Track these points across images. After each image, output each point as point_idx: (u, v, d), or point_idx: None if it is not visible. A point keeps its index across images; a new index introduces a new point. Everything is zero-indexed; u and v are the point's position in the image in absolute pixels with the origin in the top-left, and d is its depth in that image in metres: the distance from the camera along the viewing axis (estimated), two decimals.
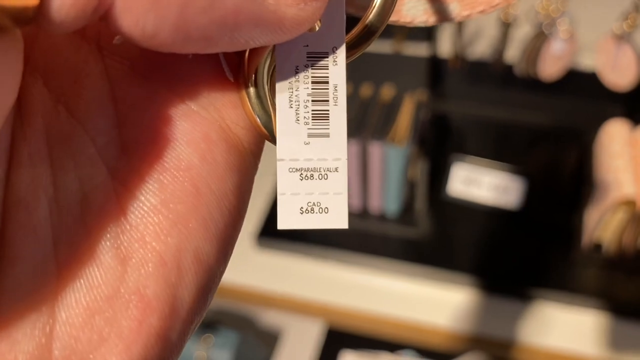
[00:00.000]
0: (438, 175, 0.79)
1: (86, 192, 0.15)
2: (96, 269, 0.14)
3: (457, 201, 0.76)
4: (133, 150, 0.15)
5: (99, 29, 0.16)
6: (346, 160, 0.17)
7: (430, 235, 0.73)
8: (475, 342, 0.67)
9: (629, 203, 0.62)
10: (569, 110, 0.85)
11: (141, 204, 0.15)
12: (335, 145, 0.17)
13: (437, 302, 0.70)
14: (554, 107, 0.86)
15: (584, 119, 0.83)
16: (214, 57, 0.17)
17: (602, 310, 0.67)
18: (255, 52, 0.17)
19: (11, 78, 0.13)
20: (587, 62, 0.90)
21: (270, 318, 1.14)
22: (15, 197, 0.14)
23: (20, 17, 0.12)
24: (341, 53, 0.17)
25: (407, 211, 0.75)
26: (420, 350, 1.00)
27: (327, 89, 0.16)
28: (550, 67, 0.83)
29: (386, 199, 0.74)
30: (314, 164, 0.17)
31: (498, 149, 0.83)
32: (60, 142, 0.15)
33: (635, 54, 0.76)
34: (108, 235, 0.15)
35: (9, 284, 0.14)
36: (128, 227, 0.15)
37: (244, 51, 0.17)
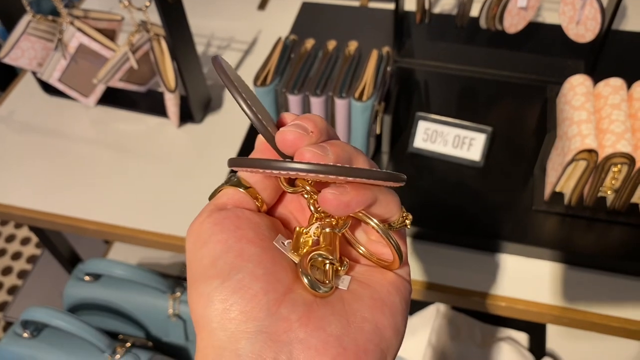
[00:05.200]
0: (403, 130, 0.79)
1: None
2: None
3: (421, 156, 0.76)
4: None
5: None
6: None
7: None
8: (438, 292, 0.68)
9: (591, 153, 0.63)
10: (533, 64, 0.86)
11: None
12: None
13: (410, 257, 0.71)
14: (518, 61, 0.86)
15: (548, 73, 0.84)
16: None
17: (564, 260, 0.68)
18: None
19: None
20: (552, 15, 0.90)
21: None
22: None
23: None
24: None
25: None
26: None
27: None
28: (515, 20, 0.83)
29: None
30: None
31: (462, 103, 0.83)
32: None
33: (600, 6, 0.76)
34: None
35: None
36: None
37: None
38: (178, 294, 0.85)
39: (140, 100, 0.90)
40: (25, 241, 1.77)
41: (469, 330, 0.91)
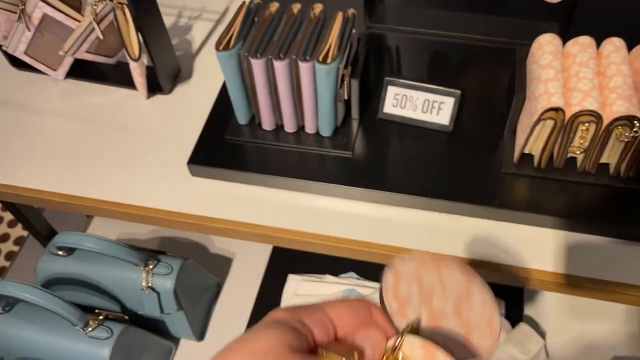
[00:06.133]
0: (374, 97, 0.78)
1: None
2: None
3: (391, 121, 0.75)
4: None
5: None
6: None
7: (364, 155, 0.73)
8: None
9: (558, 111, 0.62)
10: (506, 27, 0.84)
11: None
12: None
13: (374, 221, 0.70)
14: (491, 25, 0.85)
15: (522, 35, 0.82)
16: None
17: (534, 222, 0.67)
18: None
19: None
20: None
21: (221, 244, 1.15)
22: None
23: None
24: None
25: (341, 131, 0.74)
26: (360, 273, 1.02)
27: None
28: None
29: (320, 118, 0.72)
30: None
31: (435, 69, 0.82)
32: None
33: None
34: None
35: None
36: None
37: None
38: (150, 266, 0.85)
39: (110, 72, 0.89)
40: (12, 223, 1.78)
41: None
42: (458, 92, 0.73)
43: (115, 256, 0.82)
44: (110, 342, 0.78)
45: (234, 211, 0.72)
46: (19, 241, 1.72)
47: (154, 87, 0.84)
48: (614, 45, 0.67)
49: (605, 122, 0.62)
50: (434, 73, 0.81)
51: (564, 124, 0.63)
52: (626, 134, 0.62)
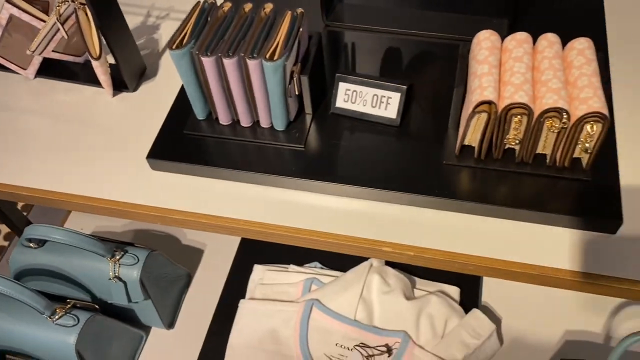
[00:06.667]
0: (328, 91, 0.81)
1: None
2: None
3: (343, 116, 0.78)
4: None
5: None
6: None
7: (316, 148, 0.76)
8: (349, 243, 0.70)
9: (490, 105, 0.65)
10: (457, 24, 0.87)
11: None
12: None
13: (327, 211, 0.73)
14: (443, 22, 0.88)
15: (470, 33, 0.85)
16: None
17: (474, 211, 0.70)
18: None
19: None
20: None
21: (192, 236, 1.18)
22: None
23: None
24: None
25: (295, 125, 0.78)
26: (325, 263, 1.05)
27: None
28: None
29: (273, 113, 0.75)
30: None
31: (389, 65, 0.85)
32: None
33: None
34: None
35: None
36: None
37: None
38: (117, 257, 0.88)
39: (79, 71, 0.92)
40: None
41: (401, 285, 0.94)
42: (404, 87, 0.76)
43: (83, 247, 0.85)
44: (76, 329, 0.82)
45: (193, 203, 0.76)
46: (9, 237, 1.76)
47: (120, 84, 0.87)
48: (548, 40, 0.70)
49: (536, 114, 0.65)
50: (387, 69, 0.84)
51: (498, 117, 0.66)
52: (556, 125, 0.65)
